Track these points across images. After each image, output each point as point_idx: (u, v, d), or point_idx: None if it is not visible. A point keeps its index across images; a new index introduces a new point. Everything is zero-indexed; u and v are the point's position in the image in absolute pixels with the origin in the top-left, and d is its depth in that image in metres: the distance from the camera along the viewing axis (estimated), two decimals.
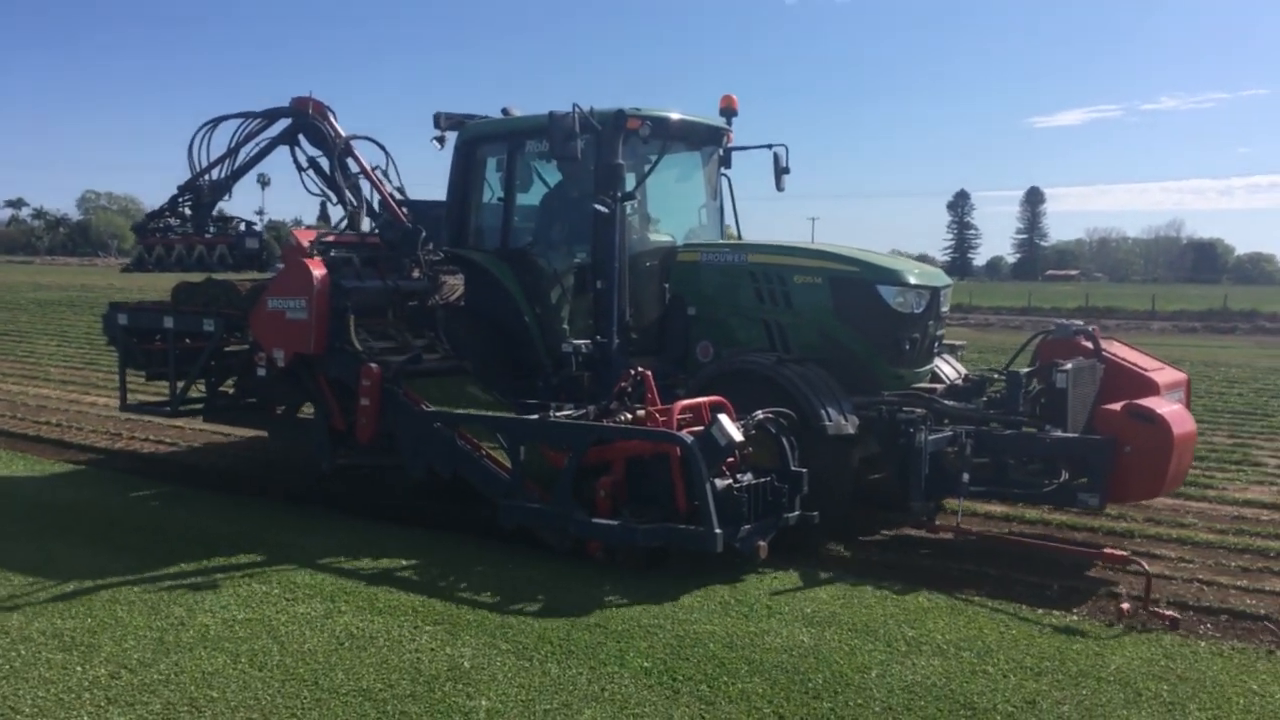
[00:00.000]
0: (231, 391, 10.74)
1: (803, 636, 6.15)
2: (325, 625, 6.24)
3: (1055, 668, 5.78)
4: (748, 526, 7.26)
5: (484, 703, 5.22)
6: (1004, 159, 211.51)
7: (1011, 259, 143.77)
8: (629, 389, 8.00)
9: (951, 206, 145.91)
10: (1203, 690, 5.56)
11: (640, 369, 8.01)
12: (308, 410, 10.33)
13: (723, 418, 7.30)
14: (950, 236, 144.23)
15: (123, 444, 11.87)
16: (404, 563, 7.58)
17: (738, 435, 7.26)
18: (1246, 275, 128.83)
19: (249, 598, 6.69)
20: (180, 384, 10.02)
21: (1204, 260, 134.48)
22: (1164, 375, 8.52)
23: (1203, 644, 6.27)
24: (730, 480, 7.33)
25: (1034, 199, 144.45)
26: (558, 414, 7.94)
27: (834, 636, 6.18)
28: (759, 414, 7.61)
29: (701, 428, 7.46)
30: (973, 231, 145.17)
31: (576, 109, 8.76)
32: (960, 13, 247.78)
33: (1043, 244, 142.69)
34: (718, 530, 6.96)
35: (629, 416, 7.78)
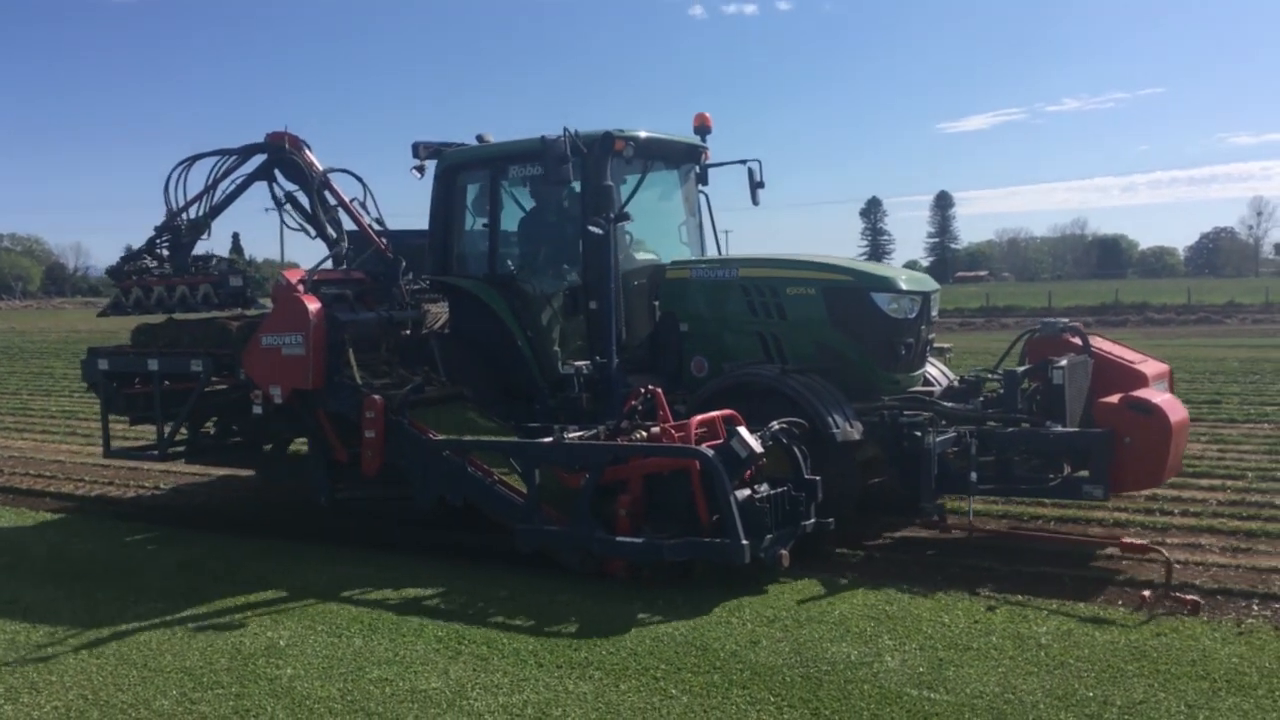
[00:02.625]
0: (213, 432, 10.63)
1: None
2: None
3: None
4: (770, 536, 7.37)
5: None
6: (915, 165, 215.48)
7: (925, 262, 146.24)
8: (640, 407, 8.08)
9: (864, 213, 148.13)
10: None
11: (651, 387, 8.09)
12: (296, 445, 10.29)
13: (742, 430, 7.40)
14: (865, 243, 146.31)
15: (100, 490, 11.67)
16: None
17: (757, 447, 7.37)
18: (1150, 269, 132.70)
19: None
20: (168, 427, 9.85)
21: (1108, 256, 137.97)
22: (1149, 367, 8.81)
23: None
24: (750, 492, 7.44)
25: (943, 203, 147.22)
26: (570, 436, 7.97)
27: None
28: (774, 425, 7.72)
29: (719, 441, 7.56)
30: (886, 237, 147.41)
31: (567, 132, 8.83)
32: (867, 23, 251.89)
33: (954, 246, 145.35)
34: (745, 542, 7.04)
35: (644, 434, 7.85)
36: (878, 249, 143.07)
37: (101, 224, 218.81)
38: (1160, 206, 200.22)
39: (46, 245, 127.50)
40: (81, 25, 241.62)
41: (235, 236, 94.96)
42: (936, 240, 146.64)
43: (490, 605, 7.22)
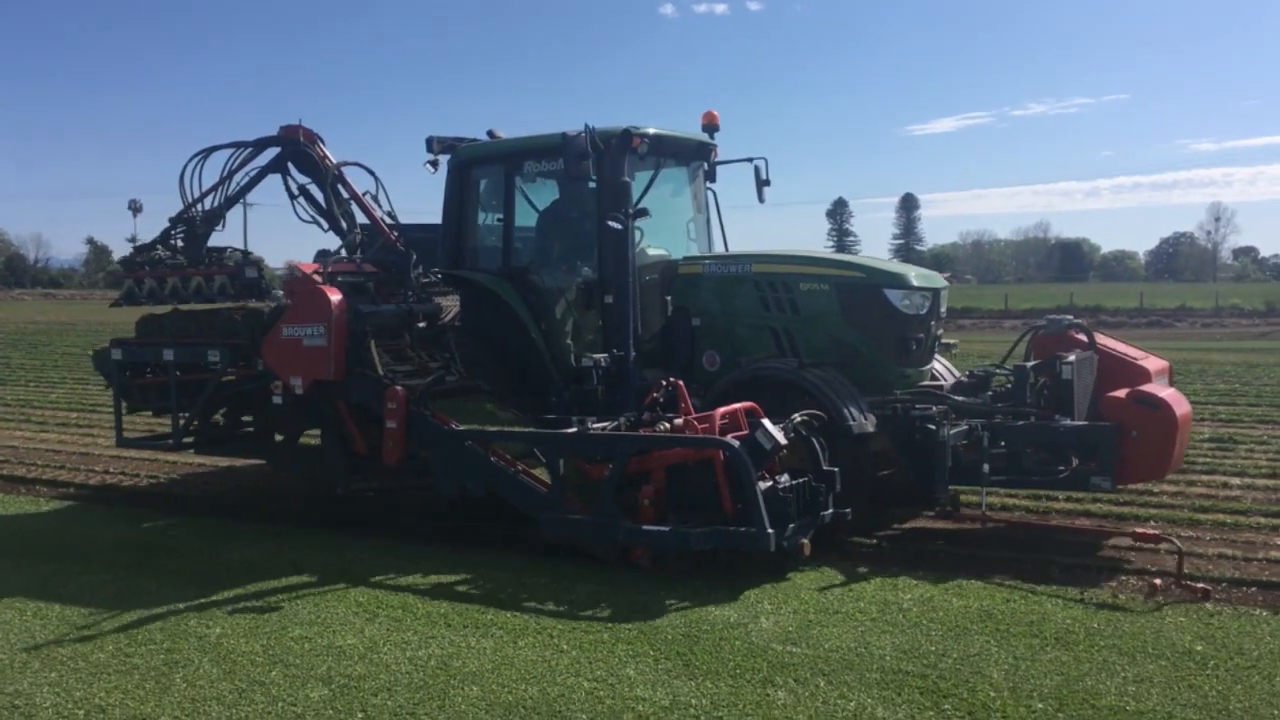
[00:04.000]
0: (222, 422, 10.68)
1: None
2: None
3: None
4: (792, 526, 7.55)
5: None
6: (882, 167, 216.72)
7: None
8: (661, 399, 8.24)
9: (831, 214, 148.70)
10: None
11: (673, 379, 8.25)
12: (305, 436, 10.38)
13: (766, 422, 7.58)
14: (830, 243, 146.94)
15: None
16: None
17: (782, 438, 7.55)
18: (1111, 272, 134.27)
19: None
20: (183, 416, 9.90)
21: (1070, 259, 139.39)
22: (1151, 363, 9.07)
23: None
24: (772, 482, 7.61)
25: (909, 205, 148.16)
26: (593, 427, 8.11)
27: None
28: (796, 416, 7.90)
29: (743, 433, 7.73)
30: (852, 238, 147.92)
31: (588, 129, 8.98)
32: (837, 25, 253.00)
33: (920, 248, 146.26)
34: (770, 530, 7.21)
35: (668, 426, 8.01)
36: (843, 250, 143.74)
37: (63, 215, 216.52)
38: (1123, 211, 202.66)
39: (6, 236, 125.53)
40: (44, 11, 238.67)
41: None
42: (901, 242, 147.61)
43: (411, 574, 7.74)
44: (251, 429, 10.68)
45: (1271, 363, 23.50)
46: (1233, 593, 7.12)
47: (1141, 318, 47.90)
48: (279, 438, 10.41)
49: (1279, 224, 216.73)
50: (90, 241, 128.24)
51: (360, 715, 5.34)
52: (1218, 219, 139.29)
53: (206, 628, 6.66)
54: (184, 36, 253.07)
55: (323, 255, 9.83)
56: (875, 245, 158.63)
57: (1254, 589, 7.16)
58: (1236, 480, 10.46)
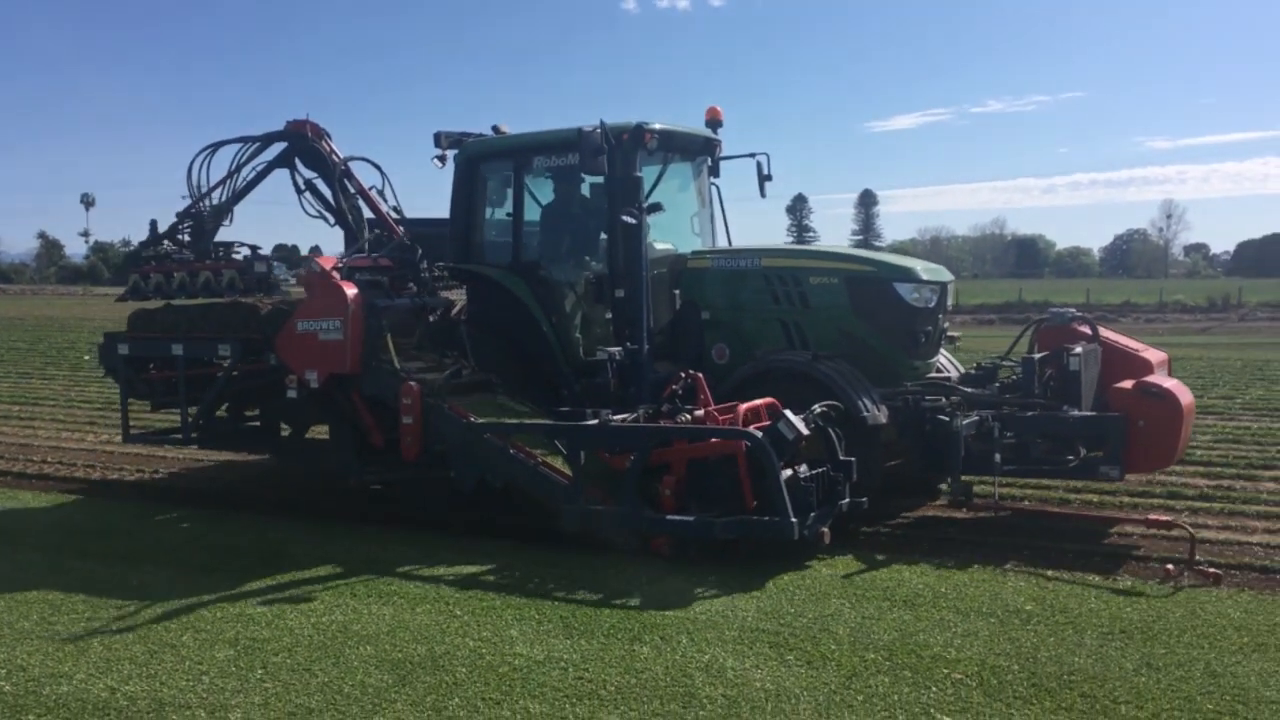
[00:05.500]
0: (225, 416, 10.69)
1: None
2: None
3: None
4: (813, 514, 7.69)
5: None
6: (843, 163, 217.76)
7: None
8: (680, 391, 8.35)
9: (790, 210, 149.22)
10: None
11: (692, 372, 8.36)
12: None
13: (788, 413, 7.71)
14: (790, 239, 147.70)
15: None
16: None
17: (804, 429, 7.69)
18: (1066, 269, 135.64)
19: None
20: (192, 411, 9.90)
21: (1026, 255, 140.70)
22: (1152, 354, 9.30)
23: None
24: (792, 472, 7.74)
25: (867, 201, 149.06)
26: (614, 419, 8.20)
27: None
28: (817, 408, 8.04)
29: (765, 424, 7.86)
30: (811, 234, 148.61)
31: (602, 125, 9.06)
32: (799, 21, 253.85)
33: (878, 244, 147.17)
34: (794, 519, 7.34)
35: (688, 417, 8.12)
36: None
37: (14, 209, 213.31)
38: (1079, 208, 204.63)
39: None
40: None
41: (153, 224, 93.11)
42: (860, 238, 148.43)
43: (328, 551, 8.18)
44: (256, 423, 10.68)
45: (1213, 356, 24.10)
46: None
47: (1088, 313, 47.98)
48: (285, 432, 10.42)
49: (1231, 221, 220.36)
50: (42, 236, 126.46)
51: (261, 671, 5.80)
52: (1169, 216, 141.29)
53: (127, 600, 7.12)
54: (138, 28, 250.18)
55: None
56: (834, 241, 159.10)
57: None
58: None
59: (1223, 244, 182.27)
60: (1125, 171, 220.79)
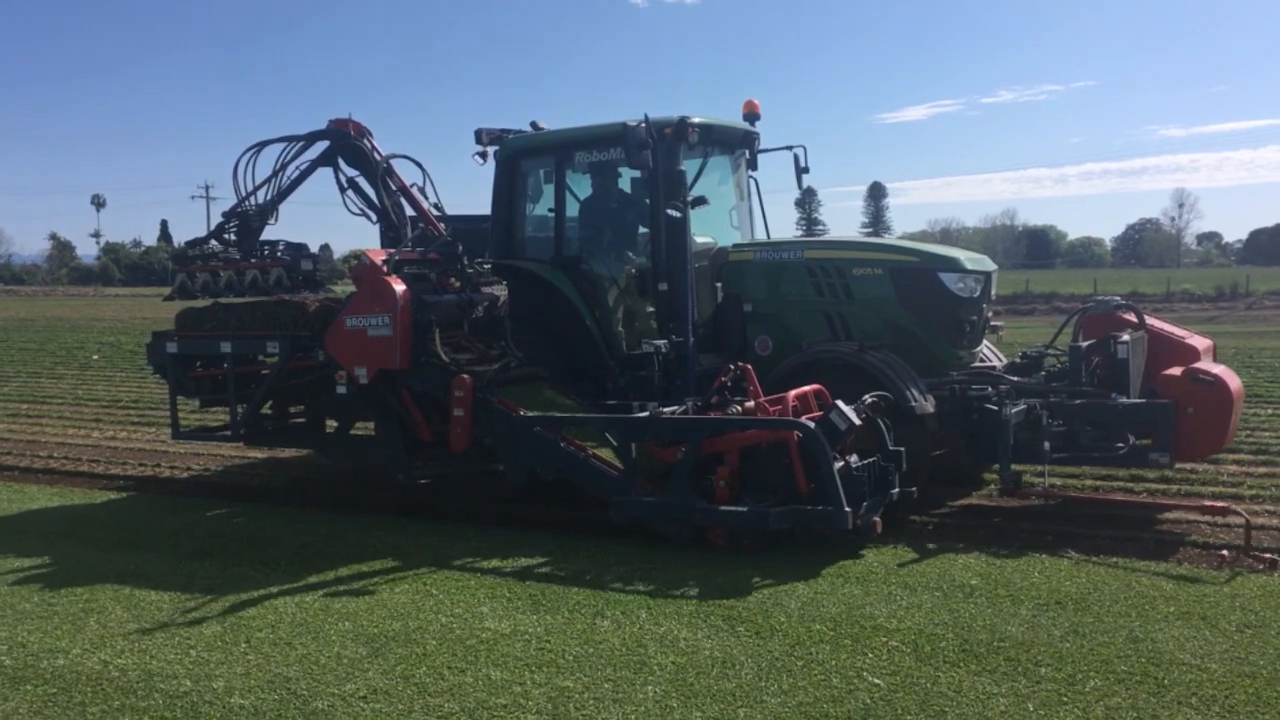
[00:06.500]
0: (270, 413, 10.76)
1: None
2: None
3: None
4: (865, 504, 7.73)
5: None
6: (853, 155, 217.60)
7: None
8: (729, 383, 8.40)
9: (799, 203, 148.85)
10: None
11: (742, 364, 8.41)
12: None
13: (840, 403, 7.76)
14: (799, 232, 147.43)
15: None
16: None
17: (856, 419, 7.73)
18: (1079, 259, 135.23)
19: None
20: (241, 408, 9.97)
21: (1037, 246, 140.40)
22: (1198, 341, 9.32)
23: None
24: (844, 462, 7.78)
25: (876, 193, 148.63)
26: (664, 411, 8.25)
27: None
28: (868, 398, 8.08)
29: (817, 414, 7.91)
30: (820, 227, 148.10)
31: (646, 119, 9.12)
32: (811, 13, 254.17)
33: (889, 237, 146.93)
34: (847, 509, 7.39)
35: (739, 409, 8.17)
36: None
37: (25, 212, 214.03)
38: (1091, 197, 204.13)
39: None
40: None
41: (164, 224, 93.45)
42: (870, 230, 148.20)
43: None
44: (301, 420, 10.76)
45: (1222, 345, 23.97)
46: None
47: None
48: (330, 428, 10.50)
49: (1244, 209, 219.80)
50: (53, 237, 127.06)
51: (244, 645, 6.17)
52: (1181, 205, 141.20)
53: (123, 584, 7.47)
54: (148, 28, 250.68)
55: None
56: (843, 233, 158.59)
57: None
58: None
59: (1236, 232, 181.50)
60: (1138, 160, 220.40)
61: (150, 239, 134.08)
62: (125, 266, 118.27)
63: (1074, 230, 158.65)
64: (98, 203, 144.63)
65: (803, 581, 7.08)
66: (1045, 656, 5.68)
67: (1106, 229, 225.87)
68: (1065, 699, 5.18)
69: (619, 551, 7.92)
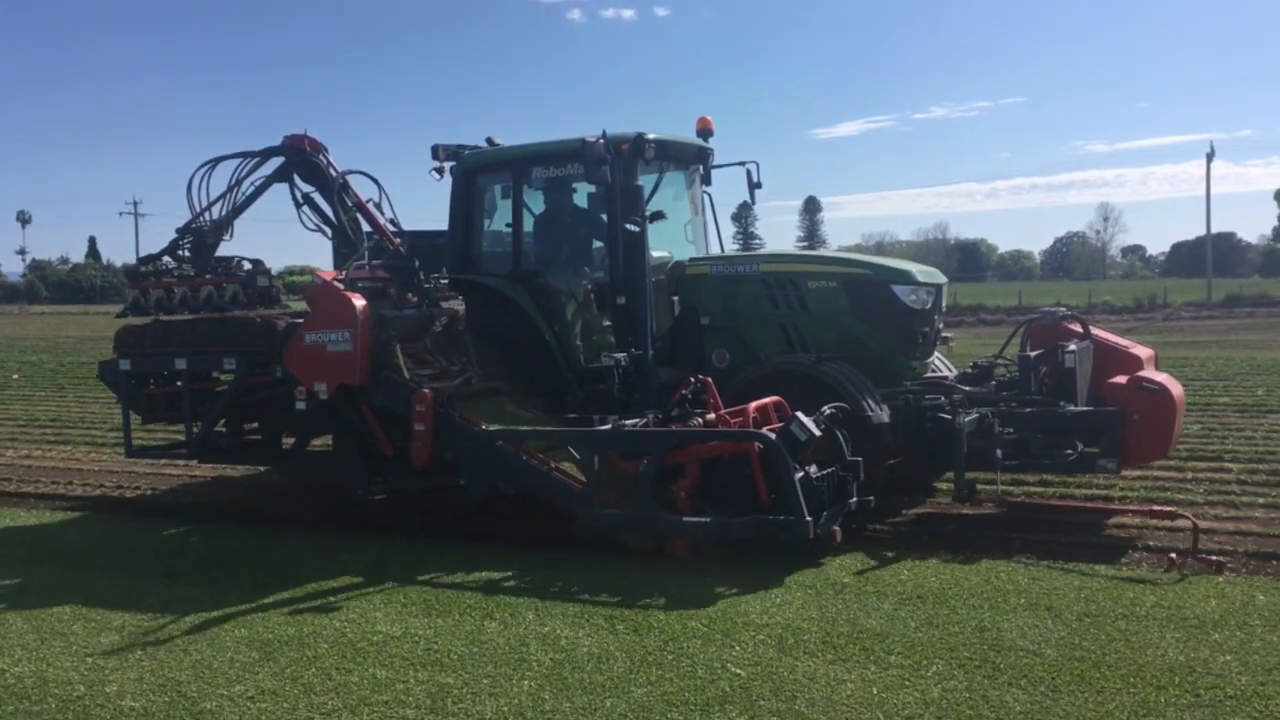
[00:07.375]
0: (224, 430, 10.68)
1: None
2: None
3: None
4: (825, 514, 7.87)
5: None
6: (788, 169, 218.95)
7: None
8: (690, 396, 8.51)
9: (735, 217, 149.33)
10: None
11: (702, 377, 8.53)
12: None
13: (800, 414, 7.90)
14: (737, 246, 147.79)
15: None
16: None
17: (815, 430, 7.87)
18: (1009, 272, 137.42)
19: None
20: (197, 425, 9.91)
21: (969, 259, 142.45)
22: (1141, 350, 9.60)
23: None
24: (803, 472, 7.92)
25: (811, 207, 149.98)
26: (626, 424, 8.34)
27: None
28: (826, 409, 8.24)
29: (777, 425, 8.04)
30: (757, 241, 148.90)
31: (604, 135, 9.23)
32: (744, 30, 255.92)
33: (826, 250, 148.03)
34: (809, 518, 7.52)
35: (700, 421, 8.28)
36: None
37: None
38: (1021, 211, 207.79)
39: None
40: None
41: (92, 240, 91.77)
42: (805, 244, 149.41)
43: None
44: (256, 437, 10.70)
45: None
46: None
47: (1020, 315, 49.03)
48: (287, 444, 10.46)
49: (1167, 223, 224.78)
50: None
51: (140, 653, 6.38)
52: (1106, 218, 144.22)
53: (25, 595, 7.72)
54: (76, 40, 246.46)
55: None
56: (779, 247, 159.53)
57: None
58: None
59: (1159, 245, 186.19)
60: (1065, 175, 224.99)
61: (78, 256, 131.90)
62: (52, 284, 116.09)
63: (1005, 244, 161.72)
64: (23, 219, 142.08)
65: (690, 582, 7.40)
66: (898, 645, 6.11)
67: (1036, 242, 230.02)
68: (908, 682, 5.59)
69: (520, 560, 8.18)
